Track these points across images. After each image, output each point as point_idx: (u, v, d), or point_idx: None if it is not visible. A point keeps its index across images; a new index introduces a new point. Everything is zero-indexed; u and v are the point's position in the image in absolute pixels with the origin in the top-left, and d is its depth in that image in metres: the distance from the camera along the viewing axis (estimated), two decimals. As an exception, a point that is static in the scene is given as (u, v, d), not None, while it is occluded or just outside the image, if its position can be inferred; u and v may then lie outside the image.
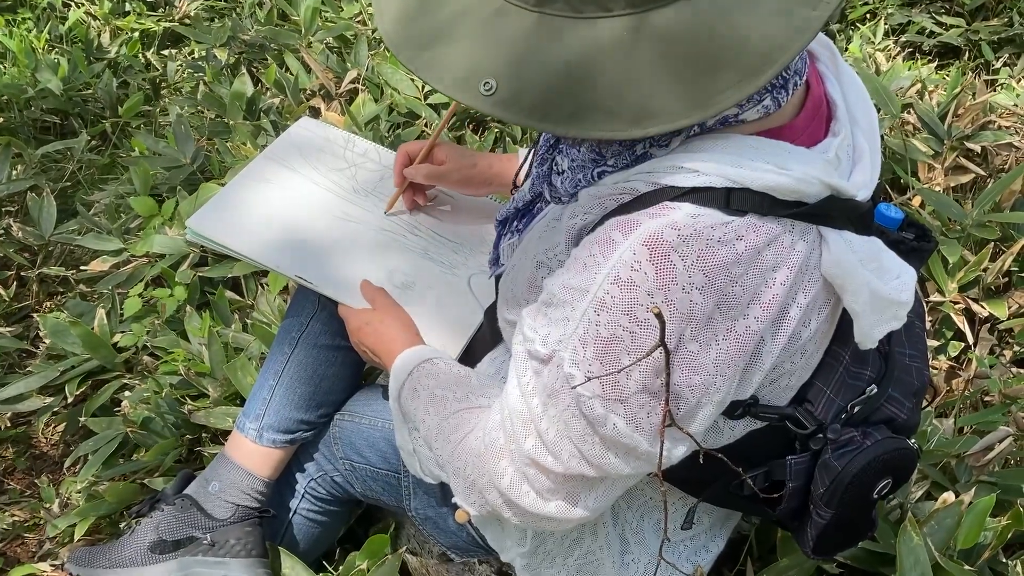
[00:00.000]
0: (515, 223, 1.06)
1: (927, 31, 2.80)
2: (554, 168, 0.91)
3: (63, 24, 2.65)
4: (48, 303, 2.07)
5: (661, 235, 0.72)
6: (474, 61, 0.72)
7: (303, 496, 1.35)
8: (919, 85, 2.26)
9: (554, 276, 0.81)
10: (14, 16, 2.68)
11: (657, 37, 0.69)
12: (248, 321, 1.72)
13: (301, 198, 1.30)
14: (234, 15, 2.75)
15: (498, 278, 1.10)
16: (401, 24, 0.77)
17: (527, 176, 1.06)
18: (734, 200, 0.74)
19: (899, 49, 2.77)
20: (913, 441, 0.93)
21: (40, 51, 2.55)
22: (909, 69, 2.43)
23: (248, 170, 1.32)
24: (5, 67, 2.47)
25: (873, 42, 2.72)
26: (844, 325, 0.85)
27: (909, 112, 2.16)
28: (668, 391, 0.72)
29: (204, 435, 1.62)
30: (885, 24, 2.79)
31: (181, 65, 2.64)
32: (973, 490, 1.22)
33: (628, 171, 0.79)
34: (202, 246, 1.31)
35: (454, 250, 1.29)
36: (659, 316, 0.66)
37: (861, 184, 0.81)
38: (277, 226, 1.26)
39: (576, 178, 0.85)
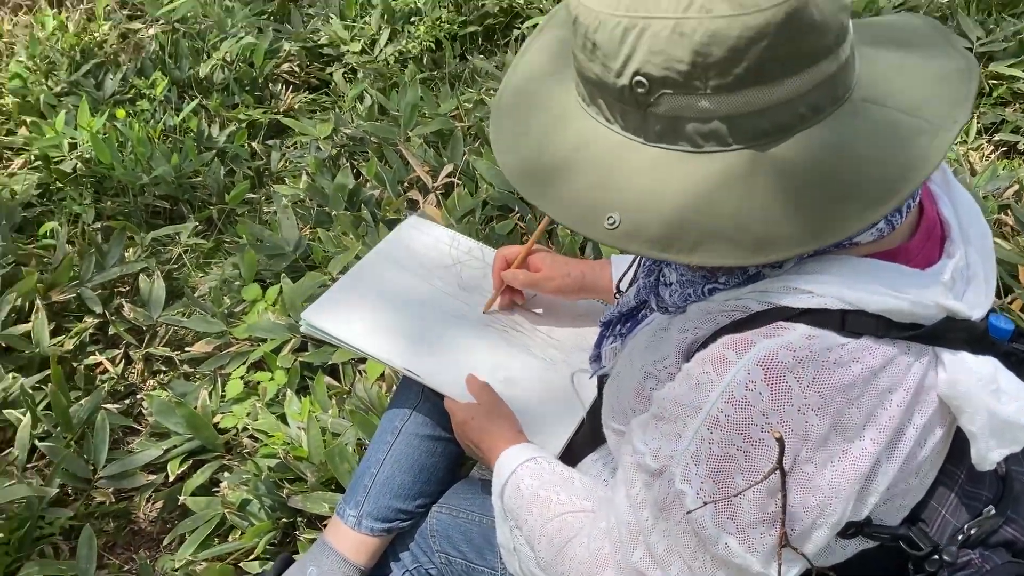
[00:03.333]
0: (619, 327, 1.08)
1: (1022, 130, 2.77)
2: (661, 279, 0.93)
3: (177, 115, 2.81)
4: (151, 381, 2.16)
5: (776, 356, 0.74)
6: (596, 196, 0.75)
7: (398, 587, 1.36)
8: (1016, 186, 2.23)
9: (665, 390, 0.82)
10: (134, 108, 2.85)
11: (776, 169, 0.71)
12: (346, 408, 1.76)
13: (410, 294, 1.35)
14: (336, 109, 2.87)
15: (601, 380, 1.12)
16: (522, 160, 0.81)
17: (632, 282, 1.09)
18: (849, 322, 0.75)
19: (993, 148, 2.74)
20: (1034, 566, 0.90)
21: (156, 140, 2.71)
22: (1005, 169, 2.40)
23: (360, 266, 1.38)
24: (124, 155, 2.62)
25: (966, 142, 2.70)
26: (959, 443, 0.84)
27: (1007, 213, 2.13)
28: (784, 513, 0.73)
29: (300, 519, 1.65)
30: (978, 123, 2.77)
31: (284, 155, 2.77)
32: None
33: (740, 289, 0.81)
34: (309, 335, 1.37)
35: (555, 347, 1.32)
36: (780, 441, 0.67)
37: (975, 304, 0.81)
38: (387, 320, 1.31)
39: (686, 292, 0.87)
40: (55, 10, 3.34)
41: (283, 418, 1.81)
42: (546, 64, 0.90)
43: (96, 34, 3.14)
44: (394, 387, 1.78)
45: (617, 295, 1.13)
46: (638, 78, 0.73)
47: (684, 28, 0.69)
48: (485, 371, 1.26)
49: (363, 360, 1.91)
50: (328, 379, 1.87)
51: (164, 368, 2.18)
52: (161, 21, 3.27)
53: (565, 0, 0.81)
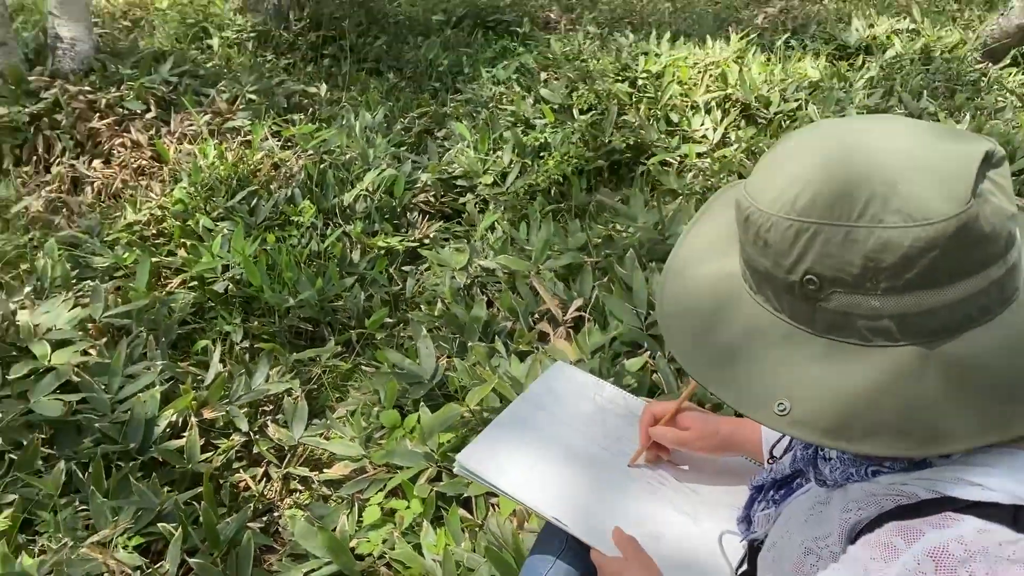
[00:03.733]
0: (772, 492, 1.10)
1: None
2: (820, 453, 0.95)
3: (323, 241, 2.99)
4: (288, 499, 2.25)
5: (947, 548, 0.75)
6: (767, 383, 0.80)
7: None
8: None
9: (830, 571, 0.84)
10: (284, 233, 3.05)
11: (945, 367, 0.74)
12: (480, 543, 1.80)
13: (556, 441, 1.41)
14: (468, 239, 3.01)
15: (751, 545, 1.13)
16: (692, 343, 0.86)
17: (787, 450, 1.11)
18: (1022, 518, 0.76)
19: None
20: None
21: (302, 265, 2.88)
22: None
23: (510, 410, 1.45)
24: (272, 278, 2.80)
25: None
26: None
27: None
28: None
29: (433, 654, 1.68)
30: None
31: (419, 281, 2.91)
32: None
33: (906, 474, 0.83)
34: (461, 475, 1.44)
35: (700, 503, 1.33)
36: (956, 637, 0.68)
37: None
38: (536, 467, 1.36)
39: (847, 471, 0.89)
40: (216, 140, 3.64)
41: (418, 547, 1.86)
42: (711, 247, 0.96)
43: (251, 163, 3.39)
44: (525, 524, 1.82)
45: (770, 460, 1.15)
46: (809, 276, 0.77)
47: (856, 236, 0.74)
48: (630, 524, 1.28)
49: (496, 494, 1.95)
50: (461, 511, 1.92)
51: (300, 487, 2.27)
52: (310, 152, 3.52)
53: (737, 196, 0.87)
